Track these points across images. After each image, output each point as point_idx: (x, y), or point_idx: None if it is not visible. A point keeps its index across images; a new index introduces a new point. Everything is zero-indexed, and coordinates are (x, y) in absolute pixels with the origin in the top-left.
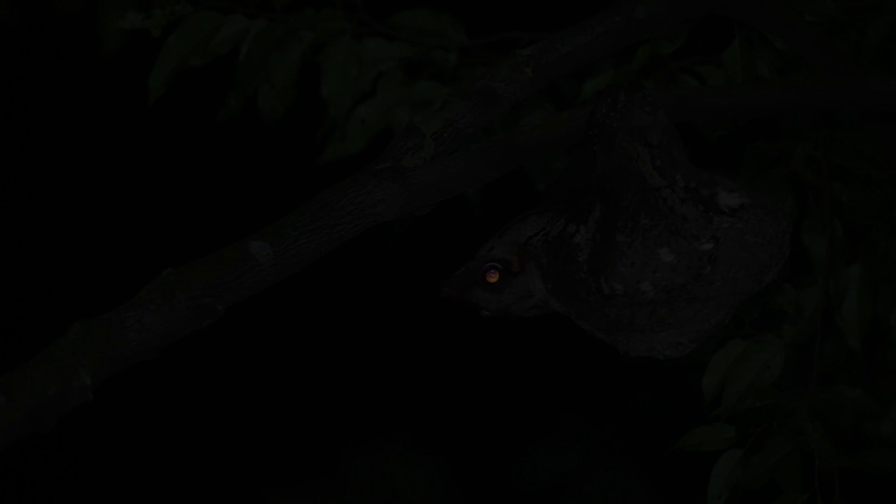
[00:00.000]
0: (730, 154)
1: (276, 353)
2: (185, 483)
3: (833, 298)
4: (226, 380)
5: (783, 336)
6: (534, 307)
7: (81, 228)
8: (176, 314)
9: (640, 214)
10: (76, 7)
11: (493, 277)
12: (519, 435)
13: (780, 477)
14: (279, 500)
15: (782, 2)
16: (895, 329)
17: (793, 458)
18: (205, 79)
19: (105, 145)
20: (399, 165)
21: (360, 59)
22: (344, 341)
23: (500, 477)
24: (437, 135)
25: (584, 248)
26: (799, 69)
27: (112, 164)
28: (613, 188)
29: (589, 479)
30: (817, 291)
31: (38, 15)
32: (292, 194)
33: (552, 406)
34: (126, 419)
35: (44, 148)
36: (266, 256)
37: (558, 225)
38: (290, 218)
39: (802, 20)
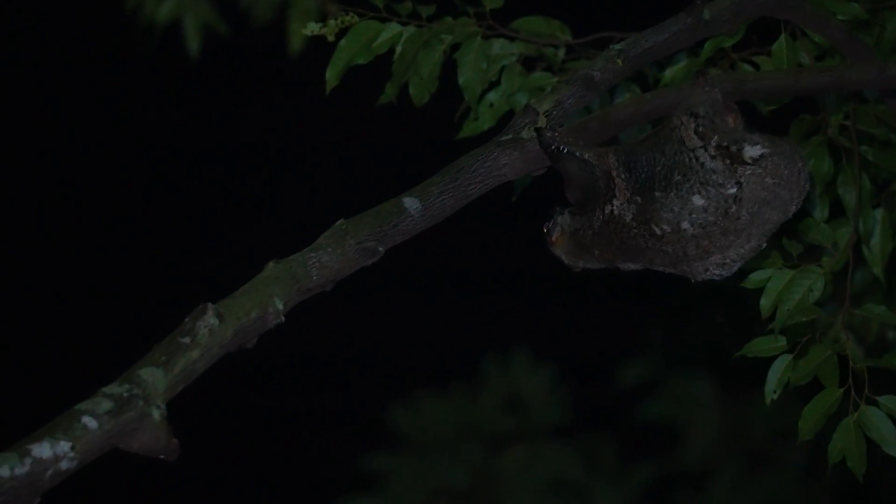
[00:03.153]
0: (779, 124)
1: (433, 286)
2: (354, 381)
3: (862, 236)
4: (395, 306)
5: (823, 266)
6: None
7: (275, 193)
8: (347, 255)
9: (674, 173)
10: (270, 19)
11: (546, 227)
12: (616, 347)
13: (821, 375)
14: (430, 396)
15: (818, 4)
16: None
17: (831, 360)
18: (368, 73)
19: (293, 126)
20: (519, 137)
21: (488, 55)
22: (484, 274)
23: (601, 380)
24: (548, 112)
25: (627, 211)
26: (832, 57)
27: (298, 141)
28: (649, 158)
29: (671, 380)
30: (849, 231)
31: (242, 25)
32: (436, 161)
33: (640, 324)
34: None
35: (245, 127)
36: (416, 209)
37: (592, 217)
38: (435, 179)
39: (834, 19)
